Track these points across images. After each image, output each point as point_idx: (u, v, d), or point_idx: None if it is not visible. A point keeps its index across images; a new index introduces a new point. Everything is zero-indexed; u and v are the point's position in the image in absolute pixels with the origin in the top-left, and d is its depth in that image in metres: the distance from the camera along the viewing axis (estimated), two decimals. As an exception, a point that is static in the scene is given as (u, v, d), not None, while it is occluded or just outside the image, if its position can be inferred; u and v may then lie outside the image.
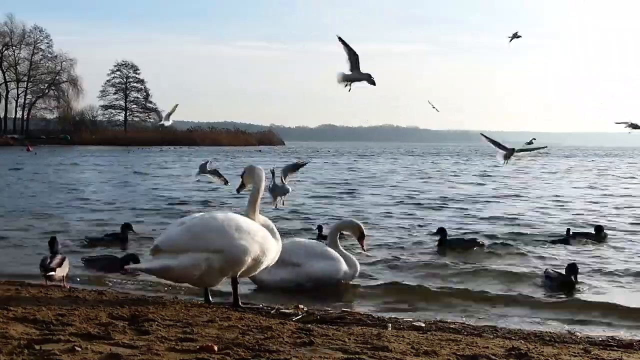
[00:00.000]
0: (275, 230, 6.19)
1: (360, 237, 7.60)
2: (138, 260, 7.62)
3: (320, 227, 10.73)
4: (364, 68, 7.17)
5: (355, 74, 7.21)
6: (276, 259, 6.20)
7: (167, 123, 11.81)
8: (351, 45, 7.09)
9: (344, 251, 7.50)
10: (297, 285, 7.23)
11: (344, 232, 7.93)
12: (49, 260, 6.62)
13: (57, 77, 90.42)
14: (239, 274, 5.89)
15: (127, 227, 10.38)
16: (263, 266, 6.05)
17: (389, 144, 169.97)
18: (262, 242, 5.88)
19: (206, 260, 5.66)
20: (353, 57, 7.17)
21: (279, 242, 6.15)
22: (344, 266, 7.30)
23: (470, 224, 13.34)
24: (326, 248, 7.40)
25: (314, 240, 8.54)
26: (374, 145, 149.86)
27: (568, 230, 10.97)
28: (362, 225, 7.69)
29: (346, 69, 7.24)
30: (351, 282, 7.51)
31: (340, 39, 7.03)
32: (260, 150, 74.53)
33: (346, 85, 7.30)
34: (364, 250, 7.97)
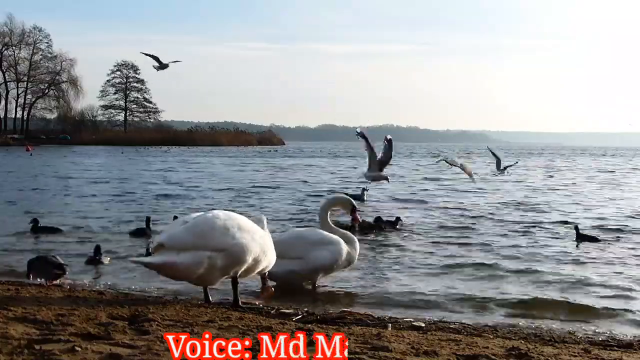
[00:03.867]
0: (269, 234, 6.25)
1: (352, 210, 7.53)
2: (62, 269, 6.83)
3: None
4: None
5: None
6: (273, 262, 6.22)
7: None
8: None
9: (337, 228, 7.33)
10: (304, 279, 7.16)
11: (334, 209, 7.76)
12: (54, 259, 6.62)
13: (57, 77, 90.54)
14: (239, 273, 5.91)
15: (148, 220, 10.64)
16: (261, 267, 6.06)
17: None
18: (262, 242, 5.92)
19: (209, 258, 5.67)
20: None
21: (272, 246, 6.21)
22: (345, 246, 7.11)
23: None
24: (323, 234, 7.19)
25: (308, 228, 8.49)
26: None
27: None
28: (350, 198, 7.61)
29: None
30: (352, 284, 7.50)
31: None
32: (272, 150, 75.07)
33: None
34: (359, 222, 8.01)
